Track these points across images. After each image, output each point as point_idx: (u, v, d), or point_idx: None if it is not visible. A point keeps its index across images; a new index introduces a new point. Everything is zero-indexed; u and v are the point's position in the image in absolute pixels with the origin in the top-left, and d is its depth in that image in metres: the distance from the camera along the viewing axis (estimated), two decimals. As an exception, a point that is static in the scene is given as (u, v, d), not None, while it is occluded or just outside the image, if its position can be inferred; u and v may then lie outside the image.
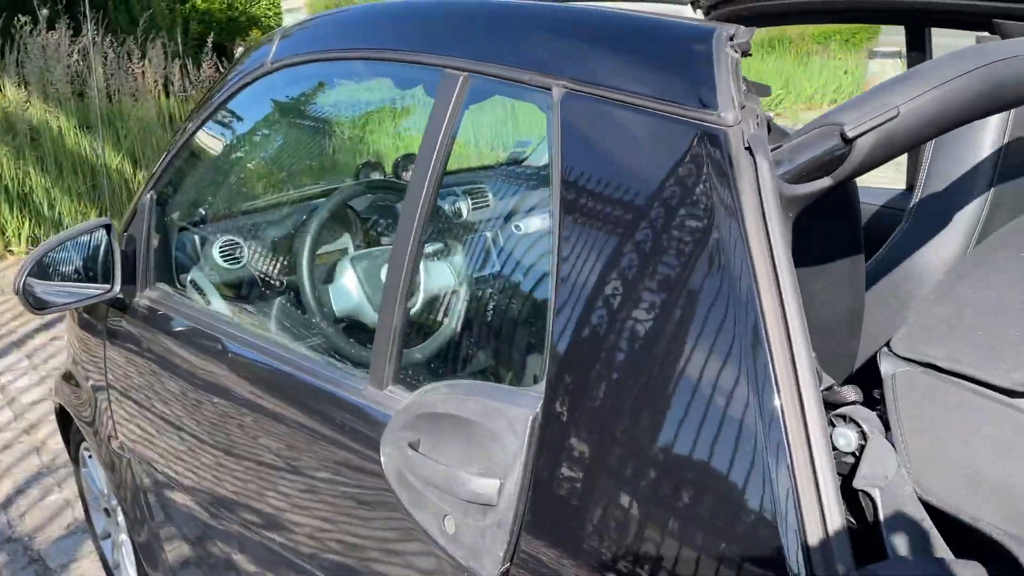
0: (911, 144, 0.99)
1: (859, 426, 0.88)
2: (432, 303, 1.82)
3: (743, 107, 0.92)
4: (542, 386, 1.03)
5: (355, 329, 1.90)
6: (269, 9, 13.55)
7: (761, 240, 0.87)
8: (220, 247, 2.06)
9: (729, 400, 0.86)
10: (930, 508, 0.85)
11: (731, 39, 0.96)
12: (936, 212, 1.48)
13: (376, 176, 2.32)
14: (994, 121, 1.40)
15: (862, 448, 0.88)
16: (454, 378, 1.46)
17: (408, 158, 2.46)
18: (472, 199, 2.41)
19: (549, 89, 1.08)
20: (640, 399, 0.93)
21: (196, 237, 2.12)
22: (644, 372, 0.92)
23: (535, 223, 2.30)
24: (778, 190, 0.88)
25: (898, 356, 0.90)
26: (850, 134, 0.92)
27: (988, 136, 1.43)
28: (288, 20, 13.92)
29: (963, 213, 1.44)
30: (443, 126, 1.21)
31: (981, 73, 0.99)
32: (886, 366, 0.90)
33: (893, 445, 0.88)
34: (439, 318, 1.78)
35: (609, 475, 0.95)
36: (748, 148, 0.90)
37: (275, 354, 1.57)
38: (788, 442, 0.82)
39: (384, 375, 1.27)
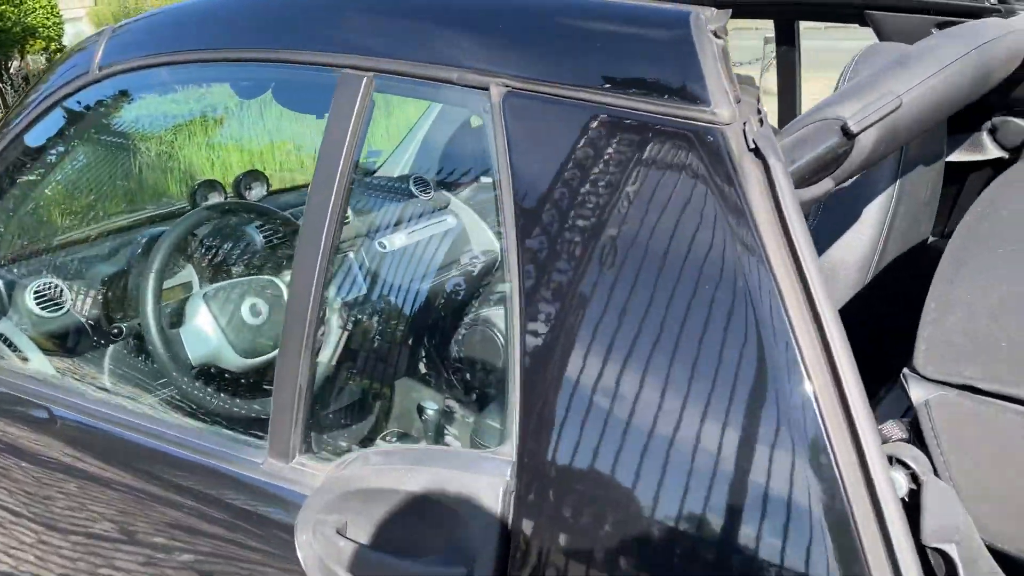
0: (909, 138, 0.89)
1: (907, 467, 0.76)
2: (347, 350, 1.59)
3: (739, 101, 0.78)
4: (510, 447, 0.85)
5: (223, 381, 1.63)
6: (47, 19, 12.37)
7: (785, 258, 0.73)
8: (35, 292, 1.71)
9: (771, 452, 0.71)
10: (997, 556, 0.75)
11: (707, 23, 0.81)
12: (845, 207, 1.42)
13: (215, 197, 2.04)
14: None
15: (912, 493, 0.76)
16: (385, 443, 1.25)
17: (252, 175, 2.19)
18: None
19: (486, 88, 0.90)
20: (648, 456, 0.76)
21: (2, 282, 1.76)
22: (650, 422, 0.76)
23: (407, 239, 2.10)
24: (797, 196, 0.75)
25: (928, 379, 0.79)
26: (854, 128, 0.80)
27: None
28: (70, 30, 12.79)
29: (872, 206, 1.39)
30: (346, 138, 1.00)
31: (974, 56, 0.91)
32: (916, 391, 0.79)
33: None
34: (357, 368, 1.55)
35: (612, 552, 0.78)
36: (755, 149, 0.75)
37: (124, 421, 1.29)
38: (847, 496, 0.68)
39: (289, 444, 1.04)
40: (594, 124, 0.83)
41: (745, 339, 0.73)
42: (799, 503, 0.70)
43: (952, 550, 0.68)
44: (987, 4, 1.67)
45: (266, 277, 1.72)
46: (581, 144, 0.84)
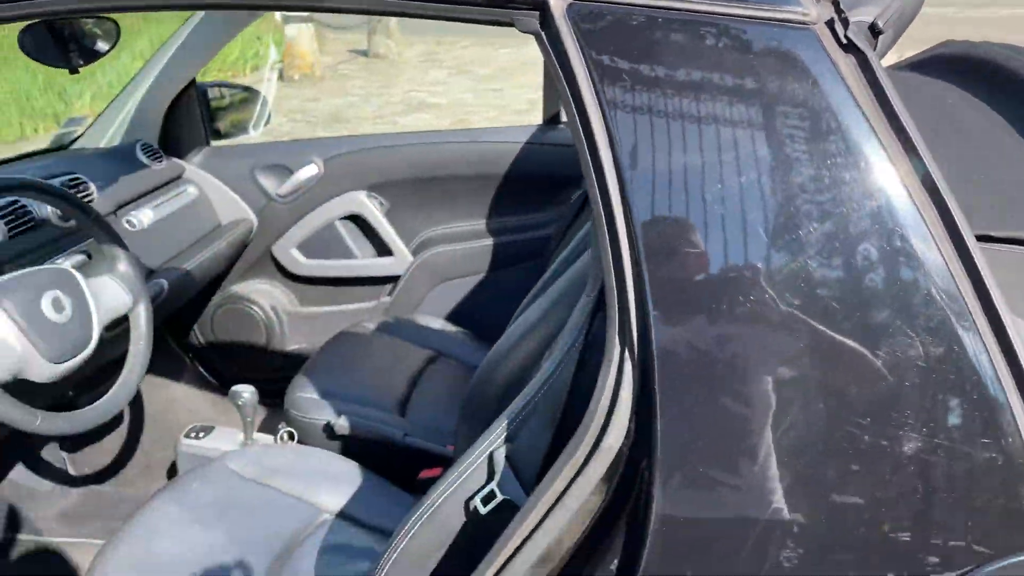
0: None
1: None
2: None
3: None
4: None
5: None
6: None
7: (902, 155, 0.76)
8: None
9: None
10: None
11: None
12: None
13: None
14: None
15: None
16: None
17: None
18: None
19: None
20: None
21: None
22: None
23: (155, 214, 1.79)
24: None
25: None
26: (884, 28, 0.85)
27: None
28: None
29: None
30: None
31: None
32: None
33: None
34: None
35: None
36: (847, 44, 0.78)
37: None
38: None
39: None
40: (683, 34, 0.80)
41: (890, 245, 0.75)
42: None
43: None
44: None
45: (59, 266, 1.39)
46: (674, 58, 0.80)
